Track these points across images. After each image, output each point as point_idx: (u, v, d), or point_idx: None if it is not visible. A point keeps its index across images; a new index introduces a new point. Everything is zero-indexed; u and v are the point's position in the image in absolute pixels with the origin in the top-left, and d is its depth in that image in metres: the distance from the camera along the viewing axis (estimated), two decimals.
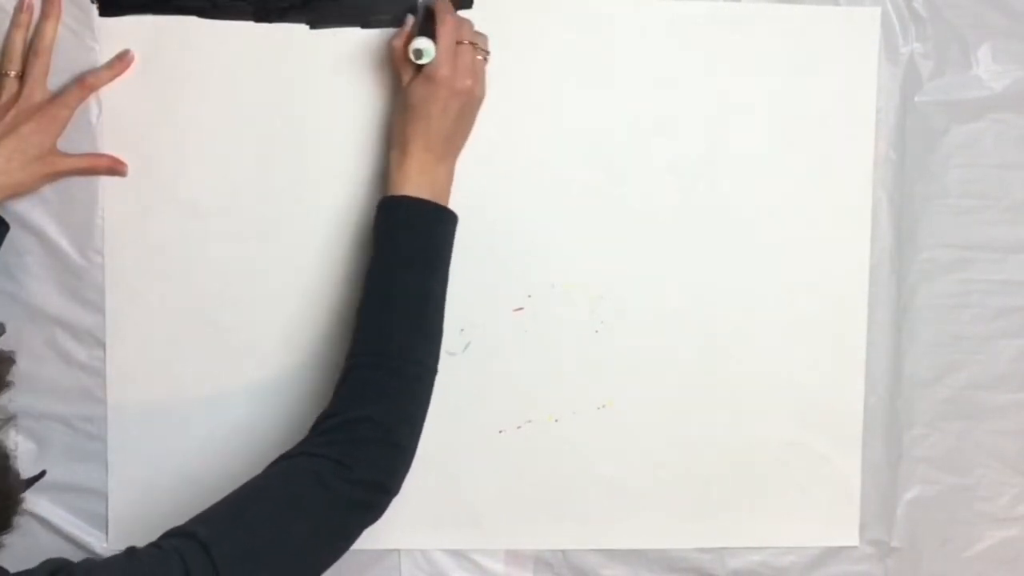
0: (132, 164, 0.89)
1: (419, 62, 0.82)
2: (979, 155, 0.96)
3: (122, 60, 0.87)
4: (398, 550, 0.95)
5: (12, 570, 0.70)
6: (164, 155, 0.90)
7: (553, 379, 0.95)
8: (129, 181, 0.89)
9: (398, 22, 0.89)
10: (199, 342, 0.91)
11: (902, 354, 0.98)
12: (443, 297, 0.84)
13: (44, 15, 0.86)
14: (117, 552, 0.72)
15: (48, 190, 0.88)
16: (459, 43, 0.84)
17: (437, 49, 0.82)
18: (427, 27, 0.84)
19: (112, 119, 0.89)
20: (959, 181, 0.97)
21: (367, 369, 0.80)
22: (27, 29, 0.86)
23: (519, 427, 0.95)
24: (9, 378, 0.71)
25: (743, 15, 0.93)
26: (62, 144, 0.87)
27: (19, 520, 0.69)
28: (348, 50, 0.90)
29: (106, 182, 0.89)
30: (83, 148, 0.88)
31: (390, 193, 0.85)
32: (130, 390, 0.91)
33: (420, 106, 0.83)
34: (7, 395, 0.72)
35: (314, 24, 0.89)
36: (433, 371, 0.83)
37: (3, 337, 0.89)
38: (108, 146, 0.88)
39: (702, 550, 0.97)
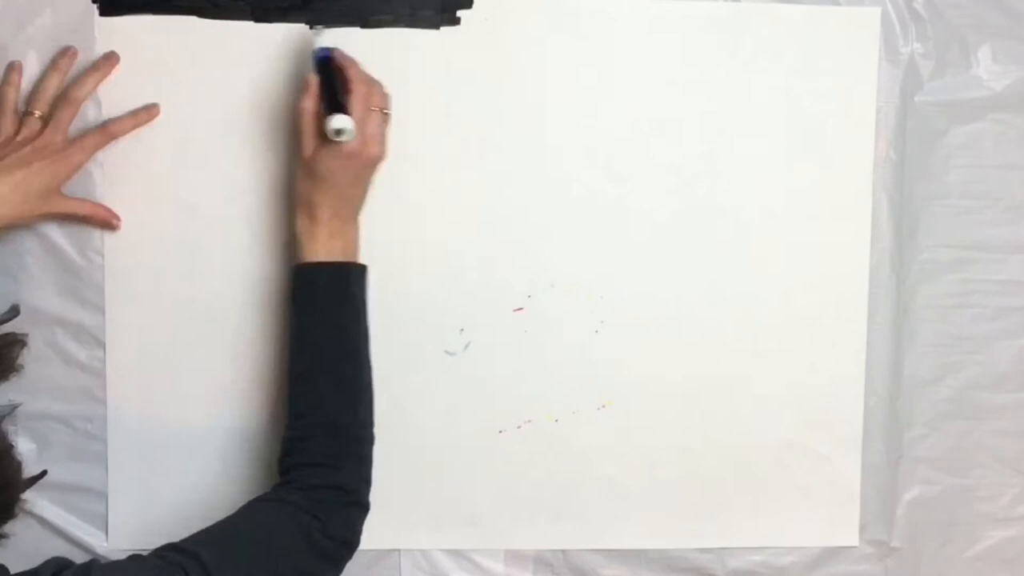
0: (132, 164, 0.89)
1: (338, 140, 0.79)
2: (979, 155, 0.96)
3: (147, 111, 0.88)
4: (398, 550, 0.95)
5: (13, 570, 0.70)
6: (164, 155, 0.89)
7: (553, 379, 0.95)
8: (129, 181, 0.89)
9: (398, 22, 0.89)
10: (199, 342, 0.91)
11: (902, 354, 0.98)
12: (369, 352, 0.86)
13: (95, 67, 0.86)
14: (118, 555, 0.73)
15: None
16: (369, 110, 0.82)
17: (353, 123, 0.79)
18: (339, 95, 0.80)
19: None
20: (959, 181, 0.97)
21: (326, 439, 0.83)
22: (64, 75, 0.86)
23: (519, 427, 0.95)
24: (19, 361, 0.76)
25: (743, 15, 0.93)
26: None
27: (20, 508, 0.71)
28: (348, 50, 0.90)
29: (106, 182, 0.89)
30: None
31: (305, 260, 0.84)
32: (130, 390, 0.91)
33: (330, 177, 0.82)
34: (16, 381, 0.76)
35: (314, 24, 0.89)
36: (372, 426, 0.86)
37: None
38: (108, 147, 0.88)
39: (702, 550, 0.97)
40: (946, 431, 0.99)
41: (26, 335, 0.86)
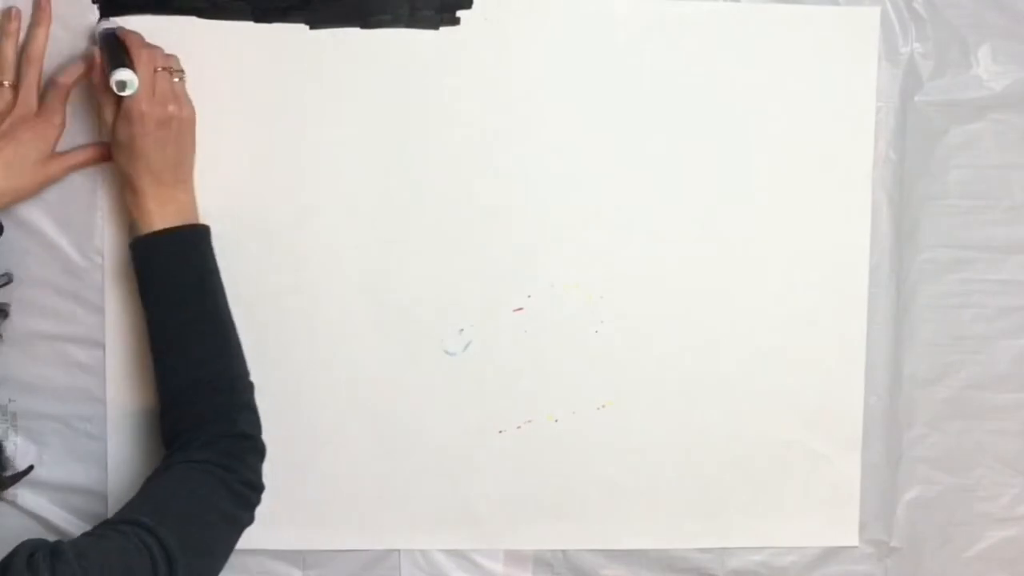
0: None
1: (123, 94, 0.80)
2: (979, 155, 0.96)
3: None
4: (398, 550, 0.95)
5: None
6: None
7: (553, 379, 0.95)
8: None
9: (398, 22, 0.89)
10: None
11: (902, 354, 0.98)
12: (227, 305, 0.87)
13: (35, 22, 0.86)
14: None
15: (48, 190, 0.88)
16: (155, 71, 0.83)
17: (138, 80, 0.80)
18: (120, 58, 0.82)
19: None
20: (959, 181, 0.97)
21: (212, 396, 0.84)
22: (16, 38, 0.86)
23: (519, 427, 0.95)
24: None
25: (743, 15, 0.93)
26: (65, 144, 0.87)
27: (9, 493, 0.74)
28: (348, 50, 0.90)
29: (106, 182, 0.89)
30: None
31: (141, 233, 0.84)
32: (129, 390, 0.91)
33: (131, 144, 0.82)
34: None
35: (314, 24, 0.89)
36: (249, 375, 0.87)
37: (3, 325, 0.89)
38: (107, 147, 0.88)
39: (702, 550, 0.97)
40: (946, 431, 0.99)
41: (8, 305, 0.88)
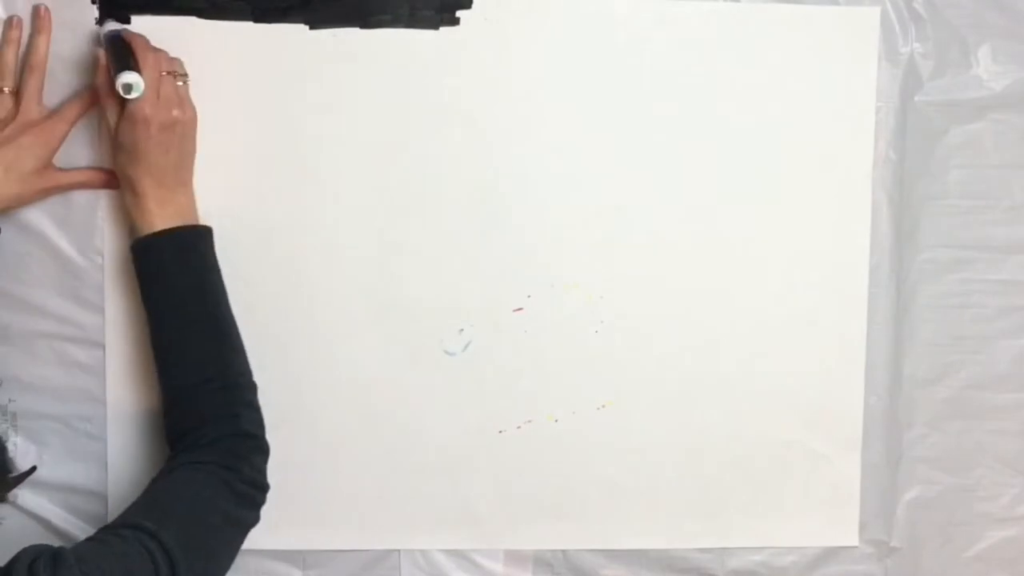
0: None
1: (128, 97, 0.80)
2: (979, 155, 0.96)
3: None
4: (398, 550, 0.95)
5: None
6: None
7: (553, 379, 0.95)
8: None
9: (398, 22, 0.89)
10: None
11: (902, 354, 0.98)
12: (228, 305, 0.87)
13: (36, 30, 0.86)
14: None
15: None
16: (161, 74, 0.83)
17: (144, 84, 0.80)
18: (126, 61, 0.82)
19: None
20: (959, 181, 0.97)
21: (215, 395, 0.84)
22: (18, 45, 0.86)
23: (519, 427, 0.95)
24: None
25: (743, 15, 0.93)
26: (64, 148, 0.86)
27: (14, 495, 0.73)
28: (348, 50, 0.90)
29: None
30: (83, 150, 0.88)
31: (141, 235, 0.85)
32: (130, 390, 0.91)
33: (134, 147, 0.83)
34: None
35: (314, 24, 0.89)
36: (251, 374, 0.87)
37: (3, 336, 0.89)
38: (108, 148, 0.88)
39: (702, 550, 0.97)
40: (946, 431, 0.99)
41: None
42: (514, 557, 0.96)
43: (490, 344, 0.94)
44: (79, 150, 0.88)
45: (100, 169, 0.88)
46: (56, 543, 0.70)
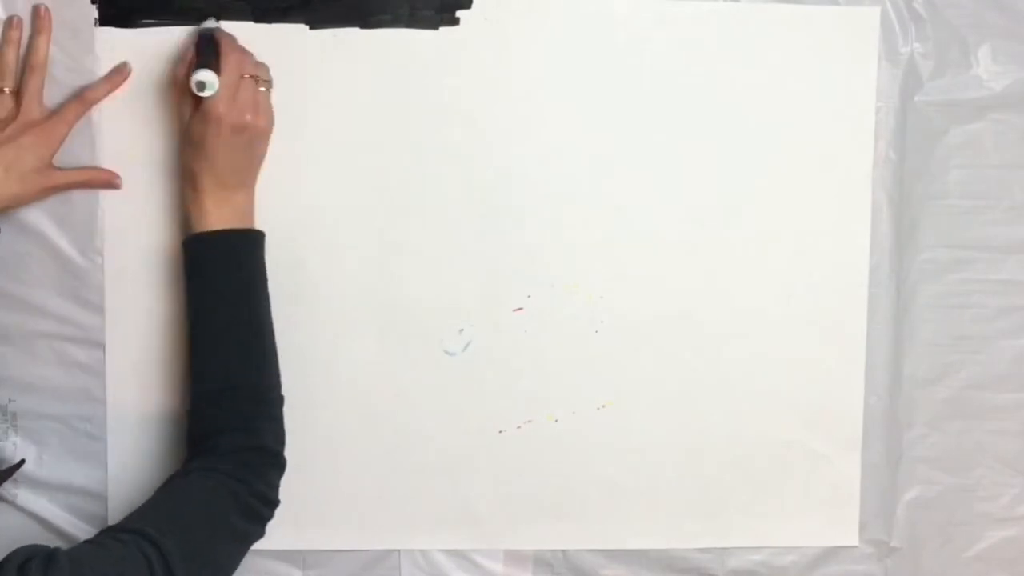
0: (132, 166, 0.89)
1: (200, 94, 0.80)
2: (979, 155, 0.96)
3: (120, 73, 0.87)
4: (398, 550, 0.95)
5: None
6: (163, 157, 0.89)
7: (553, 379, 0.95)
8: (129, 183, 0.89)
9: (398, 22, 0.89)
10: None
11: (902, 354, 0.98)
12: (270, 314, 0.86)
13: (36, 30, 0.86)
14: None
15: None
16: (241, 77, 0.83)
17: (220, 83, 0.81)
18: (209, 59, 0.82)
19: (112, 121, 0.89)
20: (959, 181, 0.97)
21: (240, 404, 0.83)
22: (18, 45, 0.86)
23: (519, 427, 0.95)
24: None
25: (743, 15, 0.93)
26: (64, 148, 0.86)
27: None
28: (348, 50, 0.90)
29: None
30: (83, 152, 0.88)
31: (194, 231, 0.84)
32: (130, 391, 0.91)
33: (201, 144, 0.83)
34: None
35: (314, 24, 0.89)
36: (280, 388, 0.86)
37: (3, 336, 0.89)
38: (108, 149, 0.88)
39: (702, 550, 0.97)
40: (946, 431, 0.99)
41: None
42: (514, 557, 0.96)
43: (490, 344, 0.94)
44: (79, 150, 0.88)
45: (100, 169, 0.89)
46: (56, 543, 0.70)
